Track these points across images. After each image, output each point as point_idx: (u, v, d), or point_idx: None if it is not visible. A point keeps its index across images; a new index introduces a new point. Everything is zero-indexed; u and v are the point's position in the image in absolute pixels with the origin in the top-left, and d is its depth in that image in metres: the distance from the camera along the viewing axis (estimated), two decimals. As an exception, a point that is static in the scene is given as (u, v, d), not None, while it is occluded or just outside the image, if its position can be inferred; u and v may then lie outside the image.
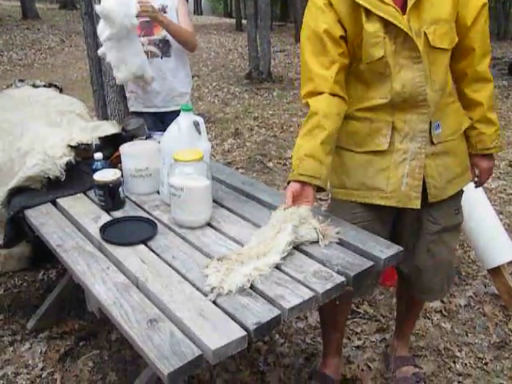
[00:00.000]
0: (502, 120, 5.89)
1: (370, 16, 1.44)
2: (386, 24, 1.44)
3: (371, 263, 1.41)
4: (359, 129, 1.59)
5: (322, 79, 1.51)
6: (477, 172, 1.74)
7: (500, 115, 6.11)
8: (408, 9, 1.43)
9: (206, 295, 1.28)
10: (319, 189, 1.53)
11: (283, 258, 1.41)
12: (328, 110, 1.50)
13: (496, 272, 2.41)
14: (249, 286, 1.30)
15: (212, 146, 4.95)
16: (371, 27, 1.46)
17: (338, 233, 1.52)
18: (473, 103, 1.63)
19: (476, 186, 1.80)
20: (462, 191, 1.70)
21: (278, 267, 1.39)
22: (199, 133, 1.74)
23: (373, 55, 1.48)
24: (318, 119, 1.50)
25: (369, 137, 1.57)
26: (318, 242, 1.49)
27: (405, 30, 1.43)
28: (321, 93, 1.51)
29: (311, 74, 1.53)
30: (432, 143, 1.55)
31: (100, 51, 2.54)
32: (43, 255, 2.01)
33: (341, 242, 1.51)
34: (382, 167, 1.56)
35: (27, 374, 2.00)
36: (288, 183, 1.54)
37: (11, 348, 2.15)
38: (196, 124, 1.73)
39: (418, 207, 1.56)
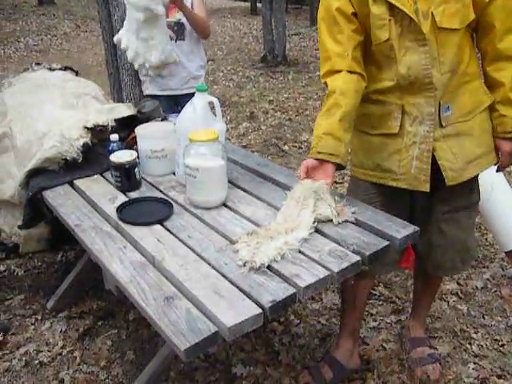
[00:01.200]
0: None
1: None
2: (392, 7, 1.43)
3: (387, 243, 1.41)
4: (373, 111, 1.60)
5: (339, 57, 1.52)
6: (500, 155, 1.67)
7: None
8: None
9: (222, 274, 1.30)
10: (338, 167, 1.53)
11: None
12: (345, 87, 1.50)
13: (514, 254, 2.38)
14: (279, 259, 1.33)
15: (227, 130, 4.94)
16: (377, 9, 1.46)
17: (354, 213, 1.52)
18: (494, 83, 1.57)
19: (497, 170, 1.71)
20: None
21: (293, 246, 1.39)
22: (214, 113, 1.74)
23: (379, 37, 1.49)
24: (335, 97, 1.51)
25: (382, 119, 1.58)
26: (332, 220, 1.49)
27: (408, 13, 1.42)
28: (338, 71, 1.52)
29: (328, 53, 1.54)
30: (441, 126, 1.52)
31: (117, 38, 2.49)
32: (62, 237, 2.04)
33: (357, 222, 1.50)
34: (395, 150, 1.57)
35: (48, 351, 2.05)
36: None
37: (32, 327, 2.20)
38: (211, 104, 1.73)
39: (427, 190, 1.55)
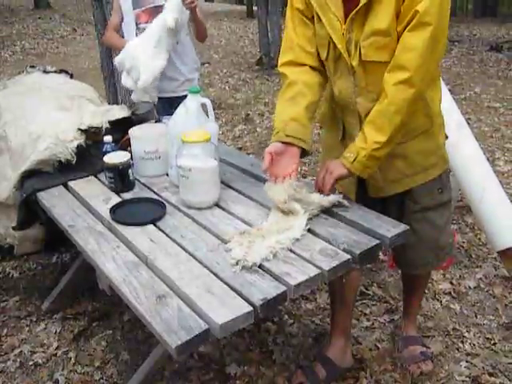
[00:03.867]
0: (515, 103, 5.81)
1: (320, 19, 1.49)
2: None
3: (377, 241, 1.42)
4: (331, 112, 1.68)
5: (303, 52, 1.56)
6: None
7: (514, 98, 6.02)
8: (348, 19, 1.43)
9: (214, 273, 1.31)
10: (303, 154, 1.56)
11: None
12: (310, 81, 1.56)
13: (506, 254, 2.40)
14: (271, 257, 1.34)
15: (222, 132, 4.97)
16: (319, 29, 1.52)
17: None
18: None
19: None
20: (447, 171, 1.71)
21: (285, 245, 1.41)
22: (207, 115, 1.76)
23: (321, 54, 1.55)
24: (299, 88, 1.55)
25: (335, 124, 1.67)
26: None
27: (338, 46, 1.47)
28: (302, 64, 1.57)
29: (292, 44, 1.58)
30: None
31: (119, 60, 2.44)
32: (57, 238, 2.05)
33: (347, 221, 1.52)
34: (338, 155, 1.61)
35: (43, 352, 2.06)
36: None
37: (27, 328, 2.21)
38: (204, 106, 1.75)
39: (353, 200, 1.62)
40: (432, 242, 1.73)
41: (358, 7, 1.39)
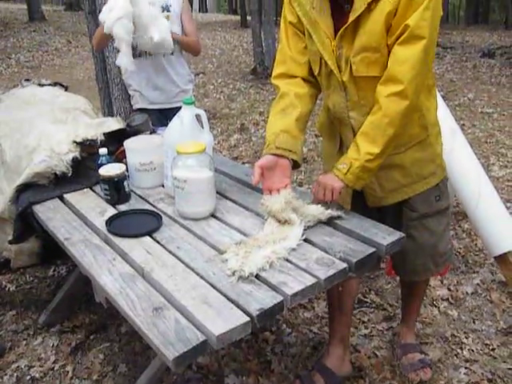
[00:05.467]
0: (510, 109, 5.85)
1: (311, 36, 1.51)
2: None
3: (373, 249, 1.43)
4: (328, 122, 1.70)
5: (295, 63, 1.59)
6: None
7: (508, 104, 6.06)
8: (337, 36, 1.44)
9: (211, 284, 1.31)
10: (294, 166, 1.58)
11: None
12: (301, 92, 1.58)
13: (503, 259, 2.40)
14: (268, 267, 1.35)
15: (218, 142, 4.98)
16: (310, 45, 1.54)
17: (338, 211, 1.57)
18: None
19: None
20: (444, 179, 1.72)
21: (281, 255, 1.41)
22: (201, 126, 1.77)
23: (314, 69, 1.58)
24: (290, 99, 1.57)
25: (333, 134, 1.69)
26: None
27: (329, 63, 1.49)
28: (294, 76, 1.59)
29: (285, 57, 1.61)
30: None
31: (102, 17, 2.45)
32: (53, 250, 2.04)
33: (343, 230, 1.53)
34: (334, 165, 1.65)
35: (40, 366, 2.05)
36: None
37: (24, 342, 2.19)
38: (198, 117, 1.75)
39: (348, 209, 1.63)
40: (431, 248, 1.74)
41: (347, 24, 1.40)
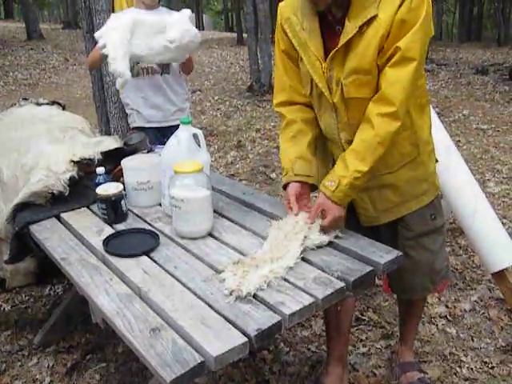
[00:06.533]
0: (504, 125, 5.90)
1: (302, 58, 1.53)
2: None
3: (370, 268, 1.43)
4: (322, 141, 1.70)
5: (296, 92, 1.62)
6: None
7: (502, 120, 6.12)
8: (328, 58, 1.46)
9: (208, 304, 1.30)
10: (312, 188, 1.62)
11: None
12: (307, 117, 1.62)
13: (500, 276, 2.40)
14: (265, 287, 1.34)
15: (215, 159, 4.99)
16: (302, 67, 1.56)
17: (336, 237, 1.57)
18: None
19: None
20: (438, 197, 1.73)
21: (278, 275, 1.41)
22: (199, 145, 1.77)
23: (306, 91, 1.60)
24: (299, 126, 1.61)
25: (326, 151, 1.71)
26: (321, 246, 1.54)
27: (319, 85, 1.51)
28: (296, 103, 1.63)
29: (284, 85, 1.64)
30: None
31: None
32: (49, 270, 2.03)
33: (340, 248, 1.53)
34: None
35: (35, 388, 2.02)
36: (284, 188, 1.62)
37: (19, 363, 2.16)
38: (195, 136, 1.76)
39: (343, 228, 1.63)
40: (427, 266, 1.74)
41: (338, 47, 1.42)
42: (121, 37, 2.25)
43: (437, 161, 2.46)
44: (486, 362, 2.08)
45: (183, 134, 1.74)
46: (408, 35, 1.35)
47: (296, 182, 1.58)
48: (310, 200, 1.62)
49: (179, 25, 2.35)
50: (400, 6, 1.34)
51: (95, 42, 3.02)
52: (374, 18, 1.36)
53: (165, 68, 2.71)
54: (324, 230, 1.54)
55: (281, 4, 1.59)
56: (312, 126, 1.63)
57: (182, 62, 2.59)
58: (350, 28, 1.39)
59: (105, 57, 2.33)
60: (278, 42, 1.61)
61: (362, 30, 1.38)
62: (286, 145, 1.62)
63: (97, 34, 2.37)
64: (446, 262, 1.83)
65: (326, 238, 1.54)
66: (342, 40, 1.41)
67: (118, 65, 2.22)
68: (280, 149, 1.68)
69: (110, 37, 2.26)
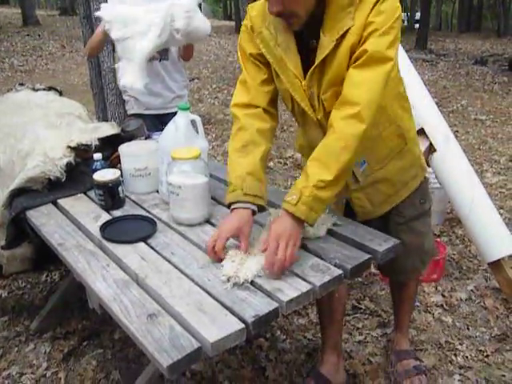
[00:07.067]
0: (502, 116, 5.90)
1: (278, 75, 1.46)
2: None
3: (368, 256, 1.43)
4: (308, 145, 1.62)
5: (259, 93, 1.51)
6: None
7: (500, 111, 6.12)
8: (307, 76, 1.40)
9: (205, 290, 1.30)
10: (260, 209, 1.47)
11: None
12: (262, 127, 1.49)
13: (496, 265, 2.42)
14: (263, 273, 1.33)
15: (213, 148, 4.98)
16: (279, 84, 1.49)
17: (334, 224, 1.57)
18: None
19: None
20: (425, 179, 1.73)
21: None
22: (197, 131, 1.76)
23: (287, 106, 1.53)
24: (252, 136, 1.48)
25: None
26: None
27: (301, 103, 1.44)
28: (255, 106, 1.51)
29: (247, 86, 1.52)
30: (357, 181, 1.58)
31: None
32: (46, 256, 2.03)
33: (338, 236, 1.52)
34: None
35: (32, 373, 2.02)
36: (229, 206, 1.47)
37: (16, 349, 2.17)
38: (193, 123, 1.75)
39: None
40: (418, 248, 1.77)
41: (316, 64, 1.36)
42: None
43: (435, 150, 2.48)
44: (481, 351, 2.09)
45: (181, 120, 1.73)
46: (375, 38, 1.29)
47: (243, 204, 1.41)
48: (250, 229, 1.44)
49: (186, 13, 2.25)
50: (371, 10, 1.29)
51: (92, 29, 2.99)
52: (349, 29, 1.31)
53: (163, 54, 2.68)
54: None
55: (250, 8, 1.49)
56: (266, 138, 1.49)
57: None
58: (326, 42, 1.33)
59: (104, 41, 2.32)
60: (241, 45, 1.52)
61: (337, 42, 1.33)
62: (236, 155, 1.48)
63: (101, 13, 2.32)
64: (432, 241, 1.87)
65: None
66: (320, 55, 1.35)
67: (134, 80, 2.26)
68: (228, 158, 1.53)
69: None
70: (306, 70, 1.40)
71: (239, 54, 1.56)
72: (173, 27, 2.21)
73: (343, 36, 1.32)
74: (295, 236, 1.34)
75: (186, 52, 2.68)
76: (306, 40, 1.40)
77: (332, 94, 1.39)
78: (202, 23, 2.33)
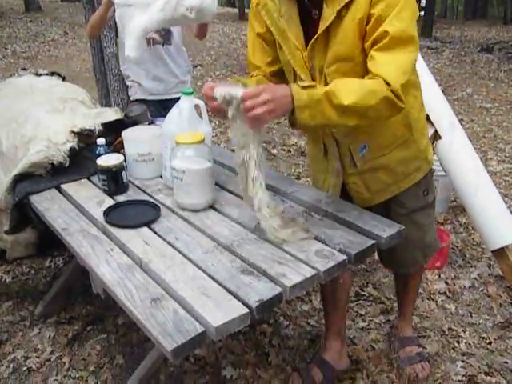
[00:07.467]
0: (507, 104, 5.85)
1: (281, 47, 1.46)
2: None
3: (372, 242, 1.42)
4: (312, 129, 1.64)
5: (263, 73, 1.55)
6: None
7: (506, 99, 6.07)
8: (308, 46, 1.38)
9: (209, 275, 1.30)
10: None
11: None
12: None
13: (500, 253, 2.41)
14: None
15: (216, 134, 4.95)
16: (282, 56, 1.49)
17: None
18: None
19: None
20: (431, 172, 1.70)
21: (280, 247, 1.40)
22: (200, 116, 1.75)
23: (289, 79, 1.52)
24: (258, 78, 1.53)
25: (316, 139, 1.65)
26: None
27: (301, 75, 1.43)
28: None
29: (253, 68, 1.57)
30: (355, 165, 1.56)
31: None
32: (50, 241, 2.03)
33: (342, 222, 1.52)
34: (322, 168, 1.66)
35: (36, 357, 2.04)
36: None
37: (20, 333, 2.18)
38: (197, 108, 1.74)
39: None
40: (419, 241, 1.74)
41: (317, 35, 1.35)
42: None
43: (440, 138, 2.46)
44: (483, 338, 2.10)
45: (185, 105, 1.72)
46: (393, 16, 1.25)
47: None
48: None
49: None
50: None
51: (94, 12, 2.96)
52: (352, 1, 1.28)
53: (166, 39, 2.66)
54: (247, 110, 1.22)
55: None
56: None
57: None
58: (327, 13, 1.31)
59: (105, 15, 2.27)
60: (251, 24, 1.53)
61: (340, 14, 1.30)
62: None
63: None
64: (435, 235, 1.83)
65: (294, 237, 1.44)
66: (322, 27, 1.33)
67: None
68: None
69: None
70: (308, 42, 1.39)
71: (248, 35, 1.57)
72: (184, 6, 2.17)
73: (347, 8, 1.29)
74: (281, 110, 1.24)
75: (201, 30, 2.61)
76: (309, 11, 1.38)
77: (336, 69, 1.37)
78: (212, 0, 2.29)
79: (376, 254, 1.98)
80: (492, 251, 2.45)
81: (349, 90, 1.26)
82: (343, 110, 1.25)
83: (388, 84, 1.26)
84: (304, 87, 1.26)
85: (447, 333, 2.13)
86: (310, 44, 1.38)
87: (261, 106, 1.20)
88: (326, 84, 1.38)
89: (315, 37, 1.35)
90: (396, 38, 1.26)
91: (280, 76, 1.56)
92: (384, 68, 1.27)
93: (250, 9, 1.53)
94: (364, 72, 1.34)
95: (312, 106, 1.24)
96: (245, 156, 1.35)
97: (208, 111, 1.44)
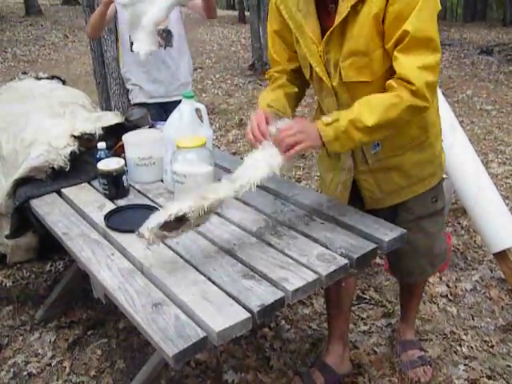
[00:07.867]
0: (508, 106, 5.85)
1: (298, 40, 1.47)
2: None
3: (374, 245, 1.42)
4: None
5: (284, 70, 1.61)
6: None
7: (506, 101, 6.06)
8: (323, 39, 1.39)
9: (211, 279, 1.29)
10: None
11: (287, 242, 1.43)
12: (293, 81, 1.61)
13: (502, 256, 2.40)
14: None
15: (216, 137, 4.95)
16: (299, 50, 1.50)
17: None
18: None
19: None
20: (441, 180, 1.69)
21: (281, 251, 1.40)
22: (201, 120, 1.75)
23: (305, 74, 1.54)
24: (280, 84, 1.59)
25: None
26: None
27: (316, 68, 1.45)
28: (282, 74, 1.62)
29: (275, 63, 1.62)
30: (367, 162, 1.56)
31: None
32: (50, 246, 2.02)
33: (344, 225, 1.51)
34: (330, 167, 1.66)
35: (37, 362, 2.03)
36: None
37: (21, 337, 2.17)
38: (198, 111, 1.73)
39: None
40: (426, 250, 1.72)
41: (332, 28, 1.35)
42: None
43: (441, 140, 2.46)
44: (486, 341, 2.09)
45: (186, 109, 1.72)
46: (413, 15, 1.25)
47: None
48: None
49: None
50: None
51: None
52: None
53: (168, 41, 2.66)
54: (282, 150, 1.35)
55: None
56: (296, 85, 1.60)
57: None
58: (343, 7, 1.31)
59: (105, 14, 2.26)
60: (270, 22, 1.56)
61: (356, 8, 1.30)
62: (264, 94, 1.60)
63: None
64: (444, 245, 1.81)
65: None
66: (337, 20, 1.33)
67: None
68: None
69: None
70: (324, 36, 1.40)
71: (268, 31, 1.60)
72: None
73: (363, 2, 1.29)
74: (309, 142, 1.35)
75: (208, 5, 2.56)
76: (326, 5, 1.40)
77: (351, 64, 1.38)
78: None
79: (378, 257, 1.99)
80: (493, 254, 2.44)
81: (370, 111, 1.32)
82: (369, 131, 1.33)
83: (411, 83, 1.29)
84: (328, 124, 1.33)
85: (449, 336, 2.12)
86: (325, 37, 1.39)
87: (290, 137, 1.33)
88: (341, 78, 1.41)
89: (330, 30, 1.36)
90: (417, 37, 1.27)
91: (300, 74, 1.58)
92: (407, 68, 1.30)
93: (270, 7, 1.55)
94: (380, 69, 1.37)
95: (340, 137, 1.33)
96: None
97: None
